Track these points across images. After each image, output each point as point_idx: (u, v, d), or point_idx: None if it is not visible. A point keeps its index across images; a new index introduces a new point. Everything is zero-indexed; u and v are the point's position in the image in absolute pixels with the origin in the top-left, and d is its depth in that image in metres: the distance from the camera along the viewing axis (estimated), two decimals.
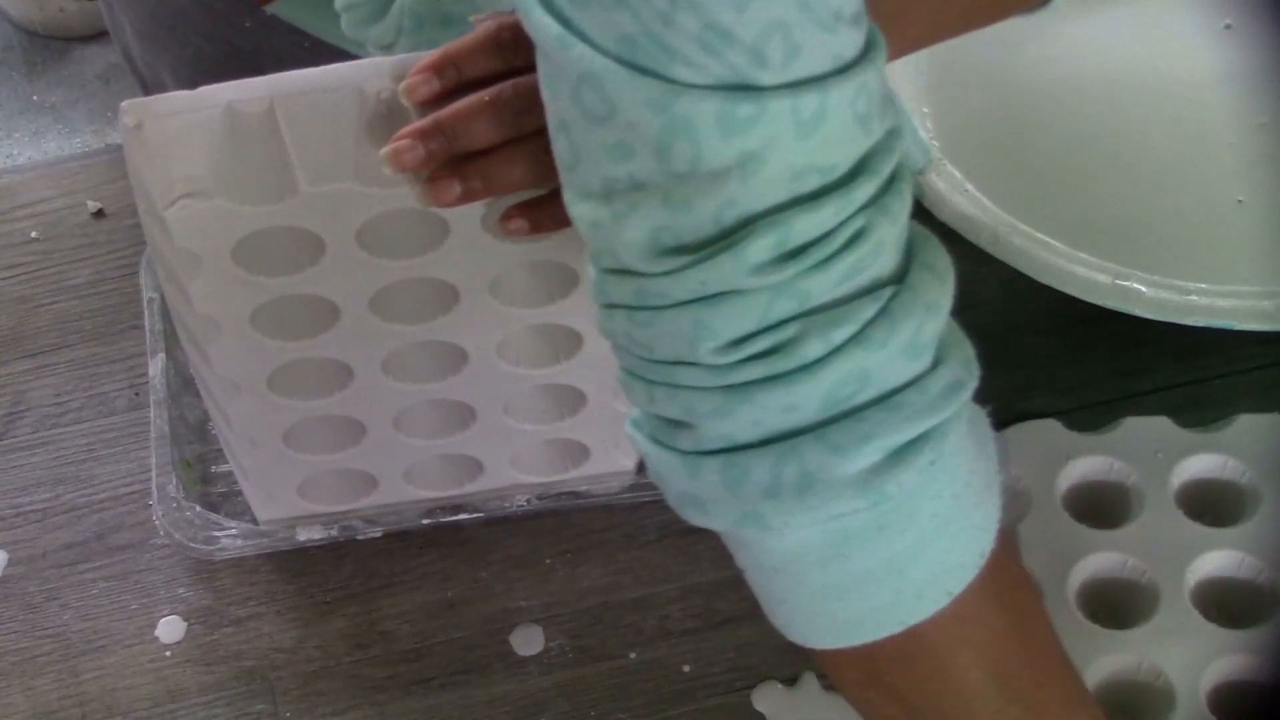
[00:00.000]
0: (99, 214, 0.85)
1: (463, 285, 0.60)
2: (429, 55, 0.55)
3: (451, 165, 0.54)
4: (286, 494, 0.71)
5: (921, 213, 0.76)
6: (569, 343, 0.64)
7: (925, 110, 0.83)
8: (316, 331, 0.62)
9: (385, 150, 0.54)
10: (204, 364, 0.63)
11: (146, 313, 0.77)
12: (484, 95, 0.54)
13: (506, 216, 0.56)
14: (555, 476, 0.72)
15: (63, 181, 0.86)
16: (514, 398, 0.67)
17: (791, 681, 0.71)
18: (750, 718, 0.70)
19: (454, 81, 0.54)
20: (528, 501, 0.73)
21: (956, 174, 0.78)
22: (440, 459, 0.71)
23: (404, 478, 0.71)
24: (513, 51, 0.54)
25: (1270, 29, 0.85)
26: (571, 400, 0.68)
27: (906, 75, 0.84)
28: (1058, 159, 0.82)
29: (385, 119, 0.55)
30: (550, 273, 0.61)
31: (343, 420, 0.67)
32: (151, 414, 0.74)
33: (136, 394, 0.79)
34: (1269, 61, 0.84)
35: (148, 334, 0.76)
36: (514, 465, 0.71)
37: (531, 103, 0.53)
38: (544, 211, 0.56)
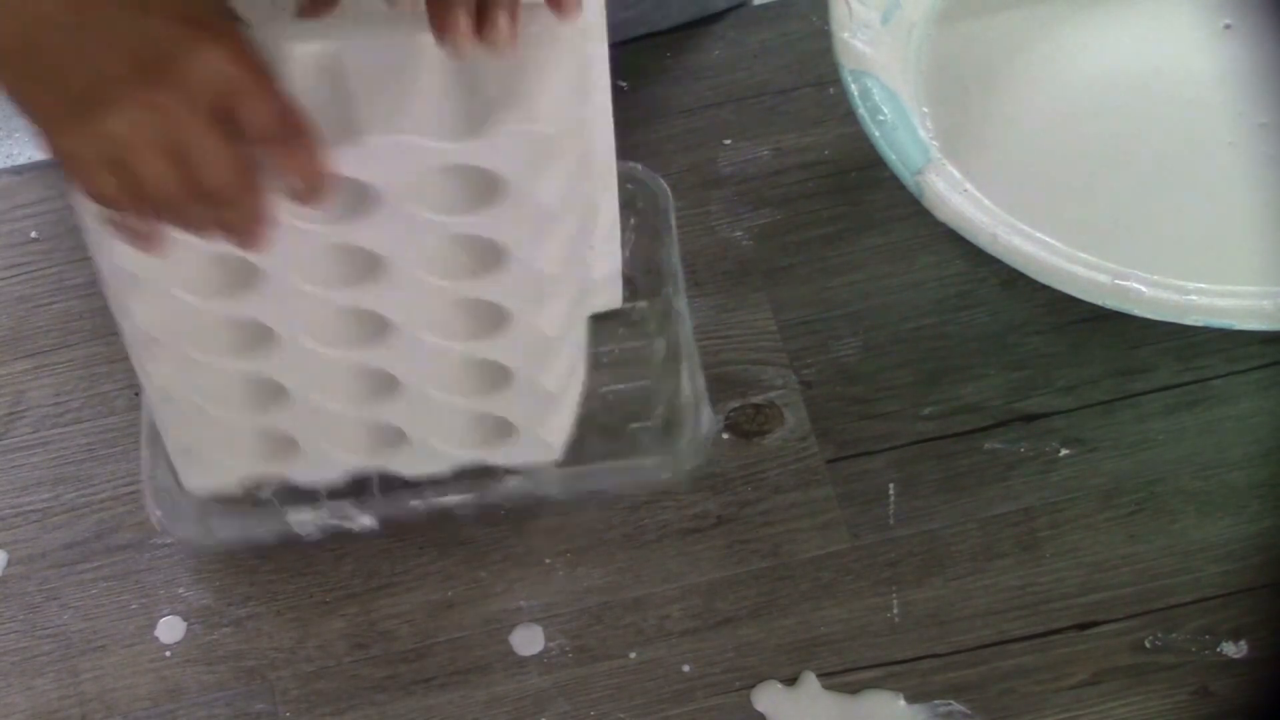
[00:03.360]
0: None
1: (389, 254, 0.61)
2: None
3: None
4: (207, 453, 0.71)
5: (921, 212, 0.76)
6: (494, 318, 0.64)
7: (925, 110, 0.83)
8: (237, 290, 0.62)
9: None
10: (125, 318, 0.64)
11: None
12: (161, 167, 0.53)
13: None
14: (479, 451, 0.72)
15: (63, 181, 0.86)
16: (437, 370, 0.67)
17: (791, 681, 0.71)
18: (750, 718, 0.70)
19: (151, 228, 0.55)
20: (513, 487, 0.72)
21: (956, 174, 0.78)
22: (362, 425, 0.70)
23: (325, 441, 0.71)
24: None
25: (1270, 29, 0.85)
26: (495, 376, 0.68)
27: (906, 75, 0.84)
28: (1057, 159, 0.82)
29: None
30: (477, 247, 0.61)
31: (262, 381, 0.67)
32: (144, 409, 0.74)
33: (136, 394, 0.79)
34: (1269, 61, 0.84)
35: None
36: (437, 437, 0.71)
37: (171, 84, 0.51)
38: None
